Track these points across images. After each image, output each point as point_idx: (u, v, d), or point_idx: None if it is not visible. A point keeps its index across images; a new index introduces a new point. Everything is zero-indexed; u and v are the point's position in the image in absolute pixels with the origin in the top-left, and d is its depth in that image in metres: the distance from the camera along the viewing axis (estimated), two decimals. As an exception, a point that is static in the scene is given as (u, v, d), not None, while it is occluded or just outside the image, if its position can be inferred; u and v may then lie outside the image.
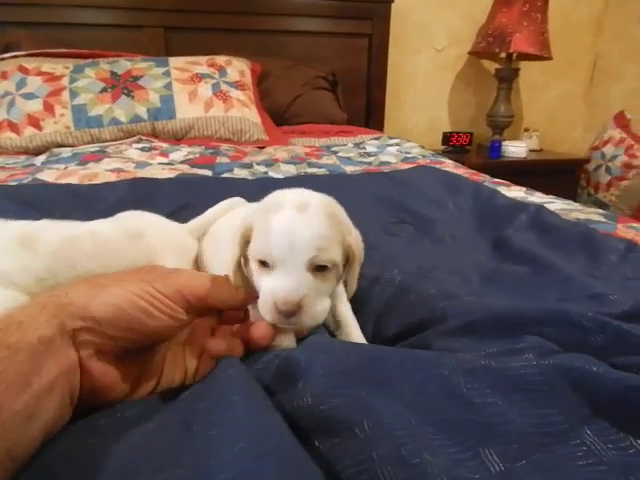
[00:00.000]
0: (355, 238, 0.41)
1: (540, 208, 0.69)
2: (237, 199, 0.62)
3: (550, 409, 0.29)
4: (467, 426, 0.28)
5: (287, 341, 0.39)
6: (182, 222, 0.56)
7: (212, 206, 0.57)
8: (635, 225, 0.78)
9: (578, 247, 0.52)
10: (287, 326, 0.37)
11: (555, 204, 0.91)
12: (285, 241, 0.35)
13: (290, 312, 0.35)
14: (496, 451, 0.27)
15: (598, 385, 0.28)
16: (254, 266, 0.38)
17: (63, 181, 0.93)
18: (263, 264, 0.37)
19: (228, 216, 0.55)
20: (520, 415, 0.28)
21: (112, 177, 0.95)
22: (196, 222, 0.59)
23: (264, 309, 0.36)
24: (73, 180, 0.90)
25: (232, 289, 0.38)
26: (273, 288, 0.36)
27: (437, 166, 1.30)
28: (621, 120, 2.40)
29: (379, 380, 0.31)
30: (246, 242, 0.39)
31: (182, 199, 0.66)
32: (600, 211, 0.86)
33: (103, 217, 0.51)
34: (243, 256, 0.39)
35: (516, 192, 1.02)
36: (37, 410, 0.25)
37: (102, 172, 0.99)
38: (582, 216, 0.81)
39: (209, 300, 0.36)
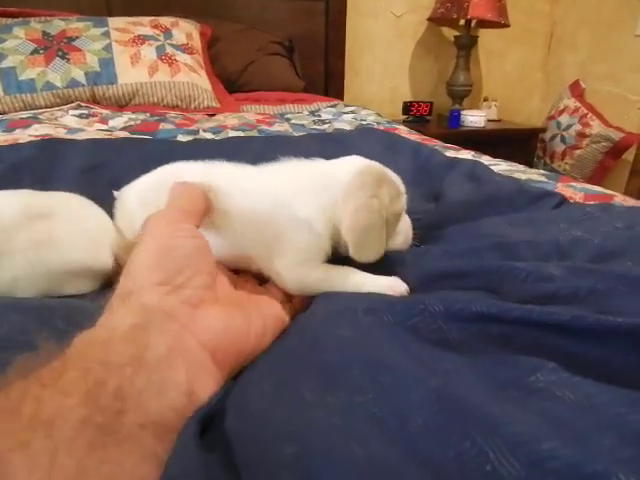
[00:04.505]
0: None
1: (475, 163, 0.68)
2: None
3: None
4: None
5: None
6: (93, 182, 0.51)
7: (126, 166, 0.52)
8: (574, 184, 0.78)
9: (507, 197, 0.51)
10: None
11: (500, 166, 0.90)
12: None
13: None
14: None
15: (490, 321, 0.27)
16: (396, 220, 0.42)
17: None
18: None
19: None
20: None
21: (36, 142, 0.88)
22: None
23: (410, 237, 0.43)
24: (-10, 145, 0.83)
25: None
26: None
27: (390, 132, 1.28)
28: (576, 89, 2.44)
29: None
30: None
31: (94, 159, 0.60)
32: (542, 172, 0.86)
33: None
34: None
35: (465, 155, 1.01)
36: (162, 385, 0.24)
37: (25, 137, 0.90)
38: (524, 176, 0.81)
39: None
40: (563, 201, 0.53)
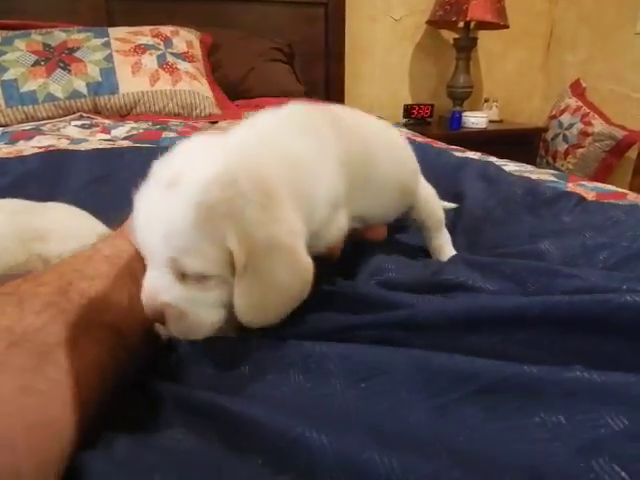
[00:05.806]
0: (263, 238, 0.28)
1: (486, 163, 0.67)
2: None
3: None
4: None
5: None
6: (100, 193, 0.51)
7: (131, 176, 0.51)
8: (584, 183, 0.77)
9: (522, 198, 0.50)
10: (167, 334, 0.32)
11: (508, 167, 0.89)
12: (144, 229, 0.29)
13: (155, 319, 0.29)
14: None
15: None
16: None
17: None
18: None
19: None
20: None
21: (39, 154, 0.87)
22: None
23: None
24: (-7, 158, 0.82)
25: None
26: (142, 284, 0.30)
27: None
28: (577, 88, 2.43)
29: None
30: None
31: (100, 170, 0.59)
32: (550, 171, 0.85)
33: (1, 195, 0.45)
34: None
35: (471, 156, 1.00)
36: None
37: (28, 149, 0.90)
38: (533, 176, 0.80)
39: None
40: (580, 201, 0.52)
